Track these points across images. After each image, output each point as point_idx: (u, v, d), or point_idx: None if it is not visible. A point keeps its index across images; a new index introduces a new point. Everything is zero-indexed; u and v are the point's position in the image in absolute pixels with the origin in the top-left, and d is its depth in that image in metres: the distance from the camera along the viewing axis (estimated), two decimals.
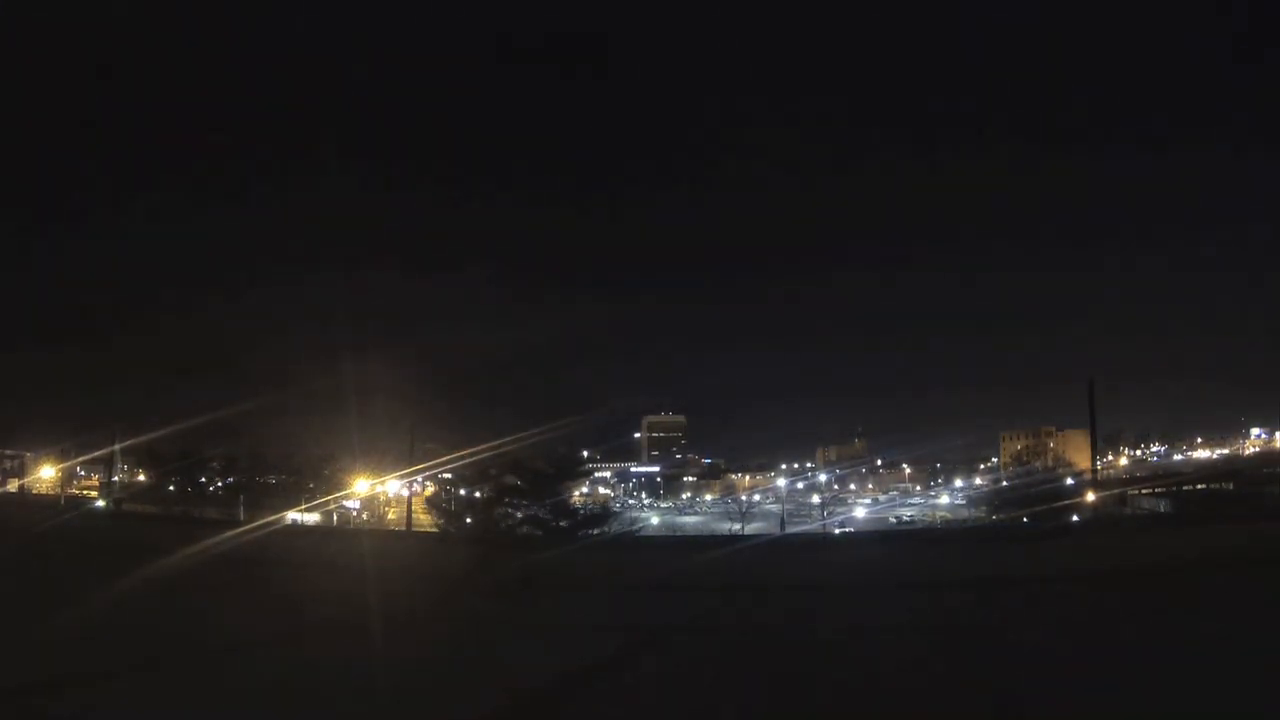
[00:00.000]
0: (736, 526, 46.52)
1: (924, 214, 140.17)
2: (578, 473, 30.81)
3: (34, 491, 38.93)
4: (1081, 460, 49.16)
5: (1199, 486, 47.01)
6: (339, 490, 36.04)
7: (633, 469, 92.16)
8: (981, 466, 78.45)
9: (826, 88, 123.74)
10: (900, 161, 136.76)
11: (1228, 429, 77.66)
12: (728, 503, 68.09)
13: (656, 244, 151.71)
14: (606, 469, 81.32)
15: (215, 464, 34.82)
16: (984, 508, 47.44)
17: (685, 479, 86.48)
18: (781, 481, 73.84)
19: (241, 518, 26.43)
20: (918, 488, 76.14)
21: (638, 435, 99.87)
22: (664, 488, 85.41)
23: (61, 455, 39.49)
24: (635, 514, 60.92)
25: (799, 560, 14.69)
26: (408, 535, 24.88)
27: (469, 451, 24.95)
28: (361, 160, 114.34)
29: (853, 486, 78.81)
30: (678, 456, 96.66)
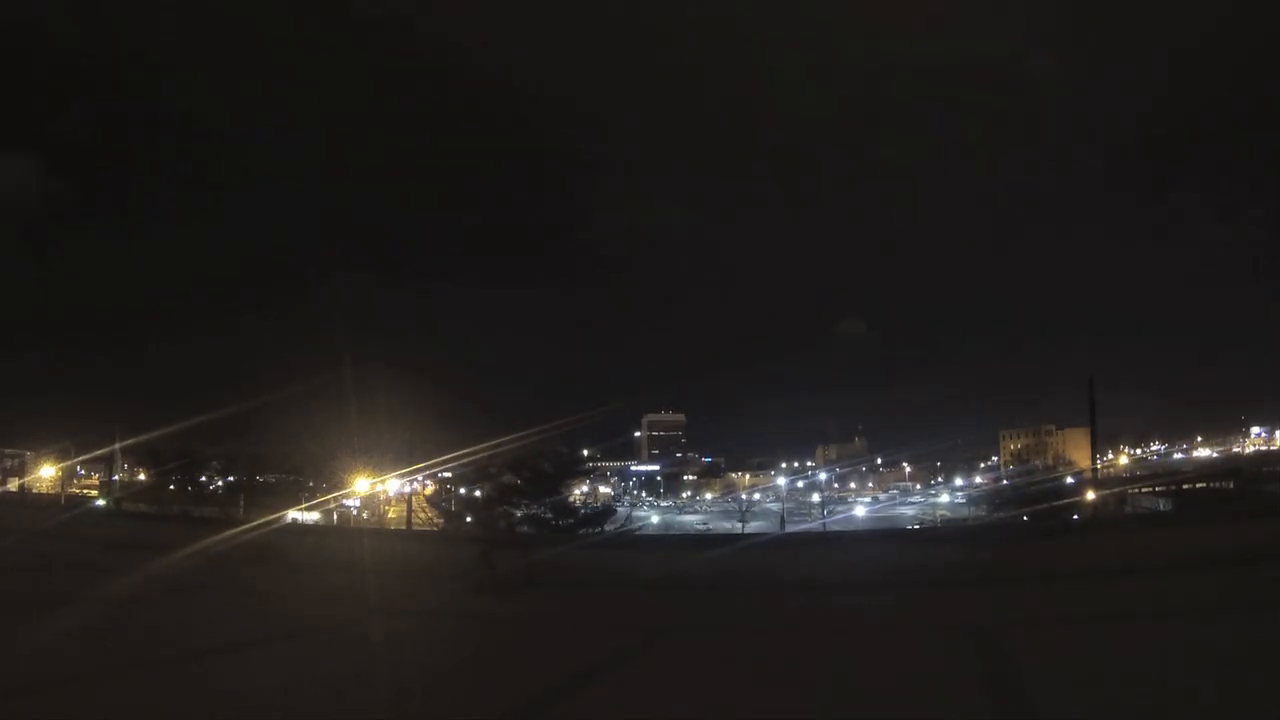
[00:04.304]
0: (737, 525, 46.57)
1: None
2: (578, 471, 30.87)
3: (34, 491, 38.98)
4: (1082, 459, 49.29)
5: (1199, 485, 47.00)
6: (339, 489, 36.06)
7: (633, 467, 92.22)
8: (982, 465, 78.51)
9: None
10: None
11: (1228, 428, 77.71)
12: (728, 501, 68.17)
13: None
14: (606, 467, 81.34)
15: (215, 463, 34.84)
16: (984, 506, 47.52)
17: (685, 478, 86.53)
18: (781, 480, 73.94)
19: (241, 516, 26.44)
20: (918, 486, 76.18)
21: (638, 434, 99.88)
22: (664, 486, 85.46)
23: (62, 455, 39.57)
24: (635, 512, 60.99)
25: (799, 558, 14.66)
26: (408, 534, 24.87)
27: (469, 450, 24.98)
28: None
29: (853, 485, 78.87)
30: (678, 455, 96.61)
